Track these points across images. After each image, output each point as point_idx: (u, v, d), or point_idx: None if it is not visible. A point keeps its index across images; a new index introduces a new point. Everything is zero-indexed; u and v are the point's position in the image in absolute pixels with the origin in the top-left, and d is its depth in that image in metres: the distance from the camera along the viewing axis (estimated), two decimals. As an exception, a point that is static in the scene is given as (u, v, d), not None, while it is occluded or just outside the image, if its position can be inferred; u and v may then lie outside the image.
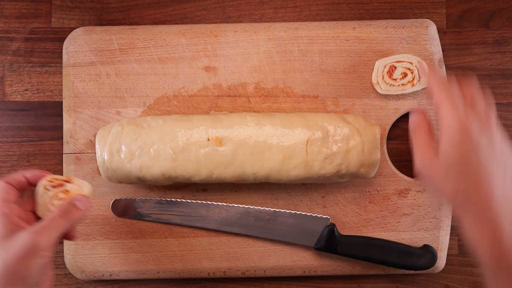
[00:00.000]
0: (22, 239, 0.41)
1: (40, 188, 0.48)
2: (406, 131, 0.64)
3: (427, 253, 0.60)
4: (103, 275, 0.61)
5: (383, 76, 0.60)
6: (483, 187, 0.40)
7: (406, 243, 0.61)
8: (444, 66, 0.62)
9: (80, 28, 0.63)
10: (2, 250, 0.41)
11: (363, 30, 0.62)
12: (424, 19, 0.62)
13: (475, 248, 0.40)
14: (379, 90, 0.60)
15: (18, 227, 0.43)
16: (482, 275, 0.40)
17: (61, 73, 0.63)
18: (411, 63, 0.60)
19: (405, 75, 0.60)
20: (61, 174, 0.63)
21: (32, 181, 0.48)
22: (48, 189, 0.48)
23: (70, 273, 0.63)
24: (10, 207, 0.45)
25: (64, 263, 0.63)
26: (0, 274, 0.40)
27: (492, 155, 0.40)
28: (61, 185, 0.48)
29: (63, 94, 0.62)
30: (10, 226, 0.42)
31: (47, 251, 0.42)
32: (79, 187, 0.49)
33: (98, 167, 0.58)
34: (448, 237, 0.61)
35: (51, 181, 0.48)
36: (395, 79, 0.60)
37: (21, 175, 0.47)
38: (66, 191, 0.48)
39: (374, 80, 0.60)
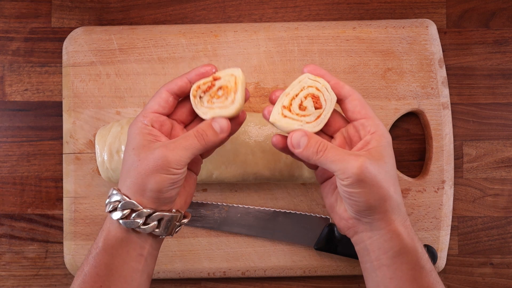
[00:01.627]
0: (156, 152, 0.41)
1: (192, 100, 0.44)
2: (406, 131, 0.64)
3: (427, 253, 0.59)
4: (103, 275, 0.61)
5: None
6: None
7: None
8: (444, 66, 0.62)
9: (80, 28, 0.62)
10: (137, 160, 0.42)
11: (363, 30, 0.62)
12: (424, 19, 0.62)
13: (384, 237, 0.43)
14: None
15: (157, 139, 0.43)
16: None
17: (61, 73, 0.63)
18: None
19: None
20: (61, 173, 0.63)
21: (196, 81, 0.45)
22: (201, 97, 0.44)
23: (70, 273, 0.63)
24: (155, 120, 0.44)
25: (64, 263, 0.63)
26: (131, 183, 0.42)
27: None
28: (211, 86, 0.44)
29: (63, 94, 0.62)
30: (150, 138, 0.43)
31: (177, 168, 0.41)
32: (231, 76, 0.44)
33: (98, 167, 0.58)
34: (448, 237, 0.61)
35: (199, 88, 0.44)
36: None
37: (185, 79, 0.45)
38: (222, 88, 0.44)
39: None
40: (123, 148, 0.55)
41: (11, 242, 0.63)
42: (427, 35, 0.61)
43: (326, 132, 0.47)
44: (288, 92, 0.44)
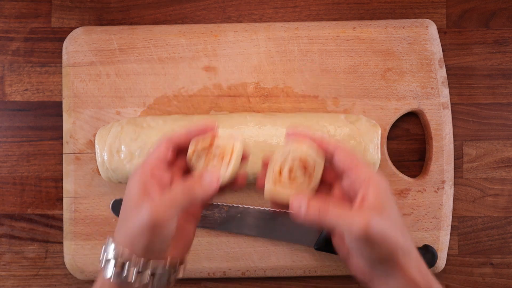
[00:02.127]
0: (142, 212, 0.41)
1: (190, 158, 0.45)
2: (406, 131, 0.64)
3: (427, 253, 0.60)
4: (103, 275, 0.61)
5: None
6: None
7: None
8: (444, 66, 0.62)
9: (80, 28, 0.62)
10: (127, 217, 0.42)
11: (363, 30, 0.62)
12: (424, 19, 0.62)
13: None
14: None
15: (151, 195, 0.43)
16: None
17: (61, 73, 0.63)
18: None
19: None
20: (61, 173, 0.63)
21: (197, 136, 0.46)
22: (199, 156, 0.45)
23: (70, 273, 0.63)
24: (154, 173, 0.44)
25: (64, 263, 0.63)
26: (122, 237, 0.42)
27: None
28: (210, 146, 0.45)
29: (63, 94, 0.62)
30: (143, 194, 0.42)
31: (166, 226, 0.41)
32: (229, 139, 0.45)
33: (98, 167, 0.58)
34: (448, 237, 0.61)
35: (195, 151, 0.45)
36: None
37: (184, 136, 0.45)
38: (219, 148, 0.45)
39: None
40: (123, 148, 0.55)
41: (11, 242, 0.63)
42: (427, 35, 0.61)
43: (324, 183, 0.47)
44: (276, 160, 0.44)
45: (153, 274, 0.42)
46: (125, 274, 0.41)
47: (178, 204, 0.42)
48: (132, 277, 0.41)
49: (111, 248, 0.42)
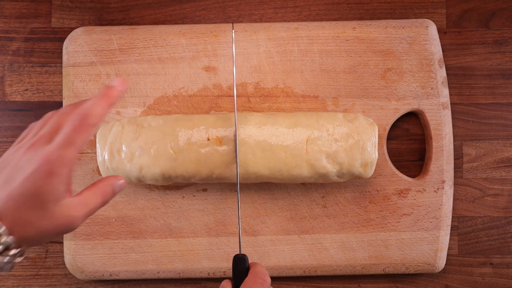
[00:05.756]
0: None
1: None
2: (406, 131, 0.64)
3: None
4: (103, 275, 0.61)
5: None
6: None
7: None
8: (444, 66, 0.62)
9: (80, 28, 0.63)
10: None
11: (363, 30, 0.62)
12: (424, 19, 0.62)
13: None
14: None
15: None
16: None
17: (61, 73, 0.63)
18: None
19: None
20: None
21: None
22: None
23: (70, 273, 0.63)
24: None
25: (64, 263, 0.63)
26: None
27: None
28: None
29: (63, 94, 0.62)
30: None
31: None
32: None
33: (98, 167, 0.58)
34: (448, 237, 0.61)
35: None
36: None
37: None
38: None
39: None
40: (123, 147, 0.55)
41: (11, 242, 0.63)
42: (427, 35, 0.61)
43: None
44: None
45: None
46: None
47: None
48: None
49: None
